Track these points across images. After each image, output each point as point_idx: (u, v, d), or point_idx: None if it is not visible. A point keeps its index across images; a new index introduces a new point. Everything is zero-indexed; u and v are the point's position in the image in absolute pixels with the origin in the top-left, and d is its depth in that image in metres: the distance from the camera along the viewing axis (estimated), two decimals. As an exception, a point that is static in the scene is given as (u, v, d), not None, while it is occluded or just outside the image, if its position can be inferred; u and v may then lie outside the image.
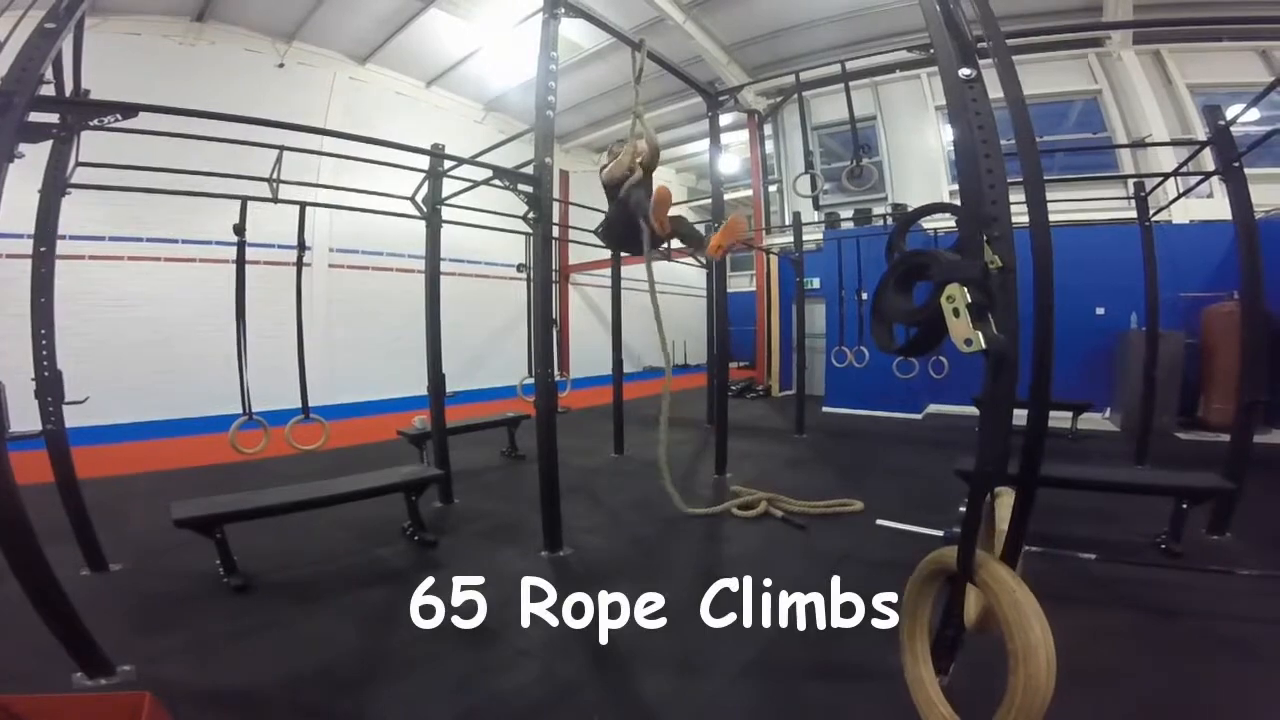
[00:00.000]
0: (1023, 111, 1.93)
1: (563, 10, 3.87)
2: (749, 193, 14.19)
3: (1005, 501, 2.02)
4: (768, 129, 13.17)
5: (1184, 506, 3.54)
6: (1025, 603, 1.63)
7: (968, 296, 1.62)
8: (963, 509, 2.56)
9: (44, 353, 3.25)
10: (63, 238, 3.41)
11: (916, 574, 2.07)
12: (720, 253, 3.55)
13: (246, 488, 3.95)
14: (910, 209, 3.08)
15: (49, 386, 3.27)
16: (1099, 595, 3.02)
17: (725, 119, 8.74)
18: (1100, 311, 8.33)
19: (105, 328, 8.21)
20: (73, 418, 3.42)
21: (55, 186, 3.32)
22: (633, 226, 3.27)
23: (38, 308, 3.23)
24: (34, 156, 2.65)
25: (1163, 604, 2.94)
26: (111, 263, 8.48)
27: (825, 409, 9.83)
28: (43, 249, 3.27)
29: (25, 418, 3.00)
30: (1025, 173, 1.91)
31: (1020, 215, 1.68)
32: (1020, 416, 1.76)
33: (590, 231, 7.33)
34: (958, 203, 1.94)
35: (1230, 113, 4.07)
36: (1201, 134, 5.58)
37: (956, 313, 1.63)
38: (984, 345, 1.60)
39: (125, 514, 4.36)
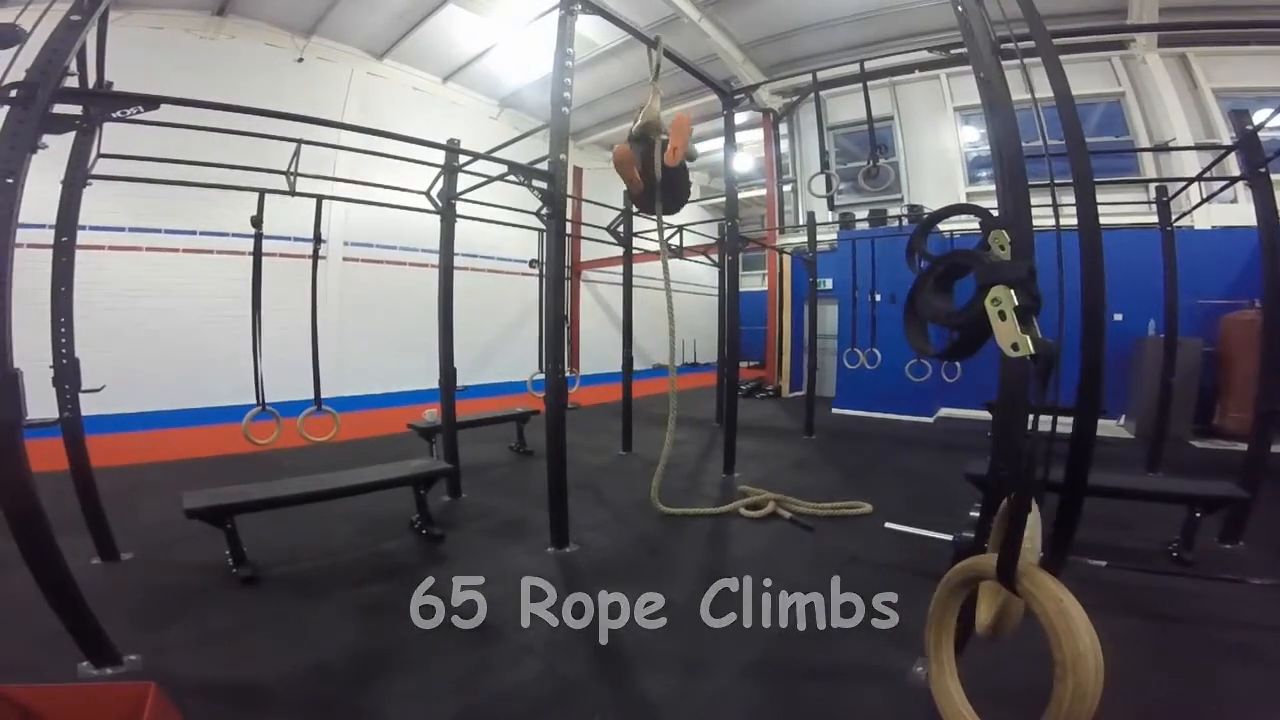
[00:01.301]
0: (1070, 109, 1.89)
1: (579, 6, 3.86)
2: (763, 191, 14.14)
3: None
4: (783, 128, 13.11)
5: (1197, 515, 3.50)
6: (1073, 612, 1.60)
7: (1015, 299, 1.57)
8: (974, 513, 2.53)
9: (63, 341, 3.30)
10: (82, 228, 3.45)
11: (946, 582, 2.02)
12: (677, 154, 3.62)
13: (258, 479, 3.97)
14: (926, 210, 3.04)
15: (66, 374, 3.31)
16: (1109, 602, 2.97)
17: (740, 118, 8.71)
18: (1118, 317, 8.21)
19: (122, 317, 8.33)
20: (88, 406, 3.45)
21: (77, 178, 3.37)
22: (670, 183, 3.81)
23: (58, 296, 3.29)
24: (57, 148, 2.69)
25: (1174, 612, 2.90)
26: (130, 253, 8.60)
27: (835, 410, 9.79)
28: (64, 239, 3.33)
29: (41, 405, 3.04)
30: (1075, 173, 1.87)
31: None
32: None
33: (604, 229, 7.40)
34: (979, 204, 1.91)
35: (1258, 117, 4.00)
36: (1227, 138, 5.49)
37: (1003, 315, 1.58)
38: (1032, 350, 1.56)
39: (137, 503, 4.41)
